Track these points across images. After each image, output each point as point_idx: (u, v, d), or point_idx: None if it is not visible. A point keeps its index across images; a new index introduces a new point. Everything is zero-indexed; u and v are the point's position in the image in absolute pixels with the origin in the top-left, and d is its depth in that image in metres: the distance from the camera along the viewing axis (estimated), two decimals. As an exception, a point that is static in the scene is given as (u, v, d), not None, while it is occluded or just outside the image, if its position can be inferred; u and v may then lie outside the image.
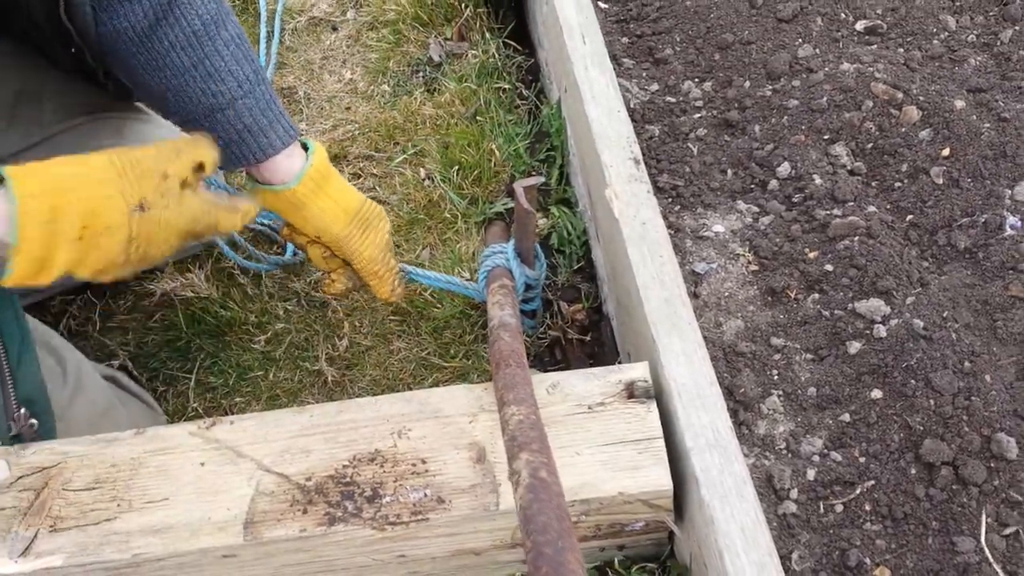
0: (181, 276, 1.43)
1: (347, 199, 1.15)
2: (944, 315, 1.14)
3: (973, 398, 1.04)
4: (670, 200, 1.38)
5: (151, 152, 0.91)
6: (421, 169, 1.60)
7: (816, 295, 1.22)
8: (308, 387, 1.33)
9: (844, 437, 1.06)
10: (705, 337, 1.02)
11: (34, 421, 1.01)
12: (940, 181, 1.31)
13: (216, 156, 0.98)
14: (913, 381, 1.07)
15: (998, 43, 1.54)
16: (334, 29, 1.97)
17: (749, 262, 1.28)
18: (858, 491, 1.02)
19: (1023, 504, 0.97)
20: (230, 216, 0.99)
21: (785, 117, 1.45)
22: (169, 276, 1.43)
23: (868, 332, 1.14)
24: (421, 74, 1.79)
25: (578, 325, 1.34)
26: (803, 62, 1.54)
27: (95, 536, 0.90)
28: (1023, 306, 1.14)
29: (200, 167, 0.95)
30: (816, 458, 1.05)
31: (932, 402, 1.05)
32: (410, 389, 1.25)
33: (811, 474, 1.04)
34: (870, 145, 1.39)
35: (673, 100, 1.55)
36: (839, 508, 1.01)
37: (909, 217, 1.29)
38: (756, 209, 1.35)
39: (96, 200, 0.85)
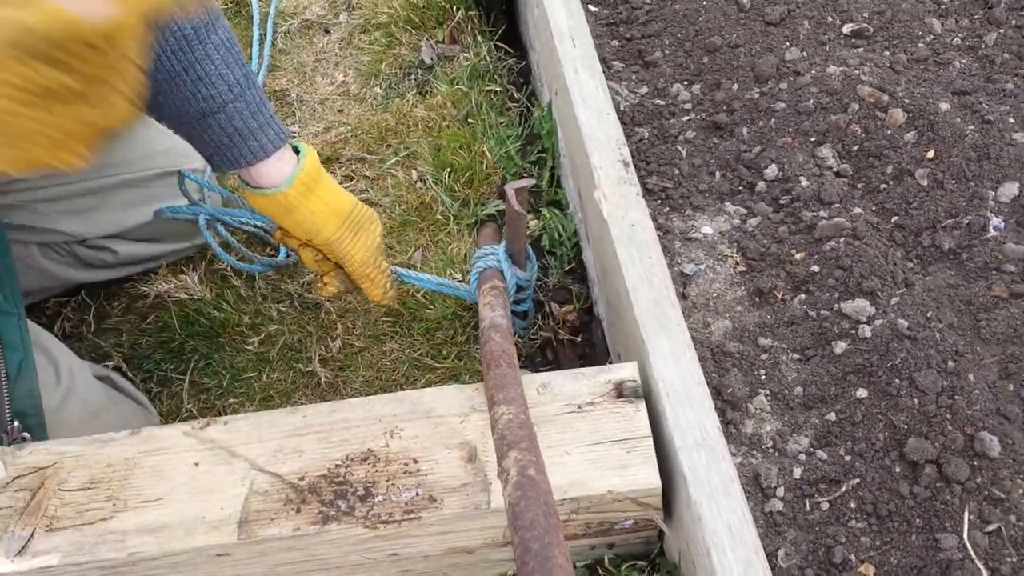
0: (175, 278, 1.43)
1: (338, 202, 1.16)
2: (928, 315, 1.14)
3: (956, 397, 1.05)
4: (659, 202, 1.38)
5: None
6: (413, 171, 1.61)
7: (803, 296, 1.22)
8: (301, 388, 1.33)
9: (830, 436, 1.07)
10: (693, 337, 1.03)
11: (26, 435, 1.02)
12: (925, 183, 1.32)
13: None
14: (897, 380, 1.08)
15: (983, 46, 1.55)
16: (326, 32, 1.97)
17: (737, 263, 1.29)
18: (843, 489, 1.02)
19: (1005, 501, 0.98)
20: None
21: (772, 119, 1.46)
22: (163, 278, 1.44)
23: (853, 332, 1.15)
24: (413, 77, 1.80)
25: (569, 326, 1.35)
26: (790, 65, 1.54)
27: (91, 535, 0.90)
28: (1006, 306, 1.15)
29: None
30: (802, 456, 1.06)
31: (916, 401, 1.06)
32: (403, 390, 1.26)
33: (797, 472, 1.05)
34: (856, 147, 1.40)
35: (662, 103, 1.55)
36: (825, 506, 1.02)
37: (894, 218, 1.30)
38: (744, 211, 1.36)
39: None
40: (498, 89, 1.71)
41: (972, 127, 1.37)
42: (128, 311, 1.44)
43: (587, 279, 1.40)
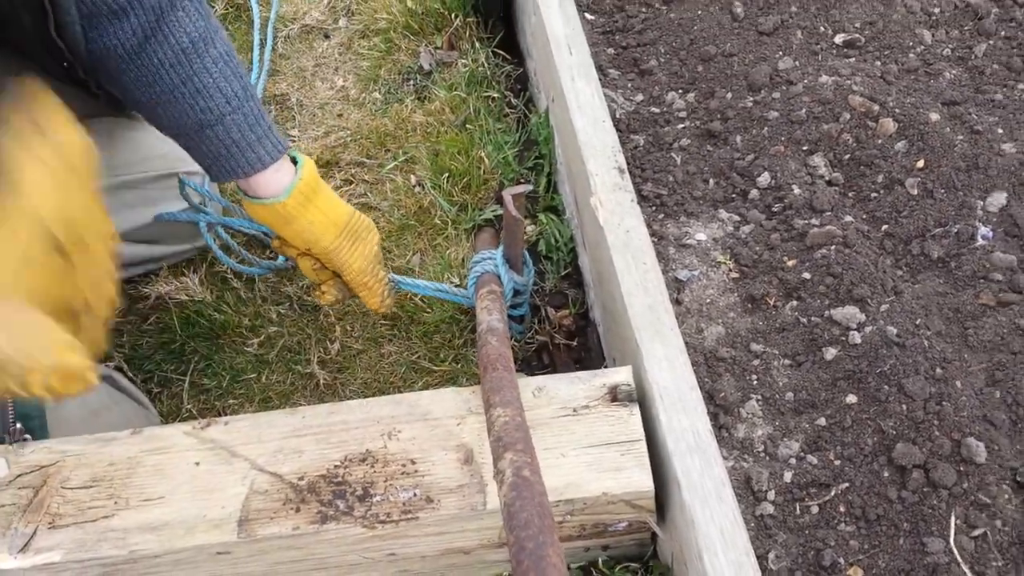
0: (175, 279, 1.44)
1: (336, 212, 1.17)
2: (917, 323, 1.16)
3: (944, 403, 1.06)
4: (654, 208, 1.40)
5: None
6: (412, 176, 1.62)
7: (794, 302, 1.24)
8: (300, 389, 1.34)
9: (820, 441, 1.08)
10: (687, 343, 1.04)
11: (28, 437, 1.02)
12: (915, 192, 1.34)
13: None
14: (886, 387, 1.10)
15: (972, 57, 1.57)
16: (326, 37, 1.99)
17: (730, 270, 1.31)
18: (833, 493, 1.04)
19: (991, 507, 0.99)
20: None
21: (765, 128, 1.48)
22: (164, 280, 1.45)
23: (844, 339, 1.16)
24: (412, 82, 1.81)
25: (565, 330, 1.36)
26: (783, 74, 1.56)
27: (93, 533, 0.91)
28: (993, 315, 1.17)
29: None
30: (793, 461, 1.08)
31: (904, 407, 1.07)
32: (400, 392, 1.27)
33: (788, 476, 1.06)
34: (847, 156, 1.42)
35: (657, 110, 1.57)
36: (815, 509, 1.03)
37: (884, 227, 1.32)
38: (737, 218, 1.38)
39: None
40: (496, 95, 1.73)
41: (961, 137, 1.39)
42: (129, 312, 1.45)
43: (583, 284, 1.42)
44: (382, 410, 1.00)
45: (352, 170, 1.66)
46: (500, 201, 1.53)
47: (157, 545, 0.90)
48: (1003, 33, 1.60)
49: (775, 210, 1.37)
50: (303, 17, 2.03)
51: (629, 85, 1.62)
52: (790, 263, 1.29)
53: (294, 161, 1.17)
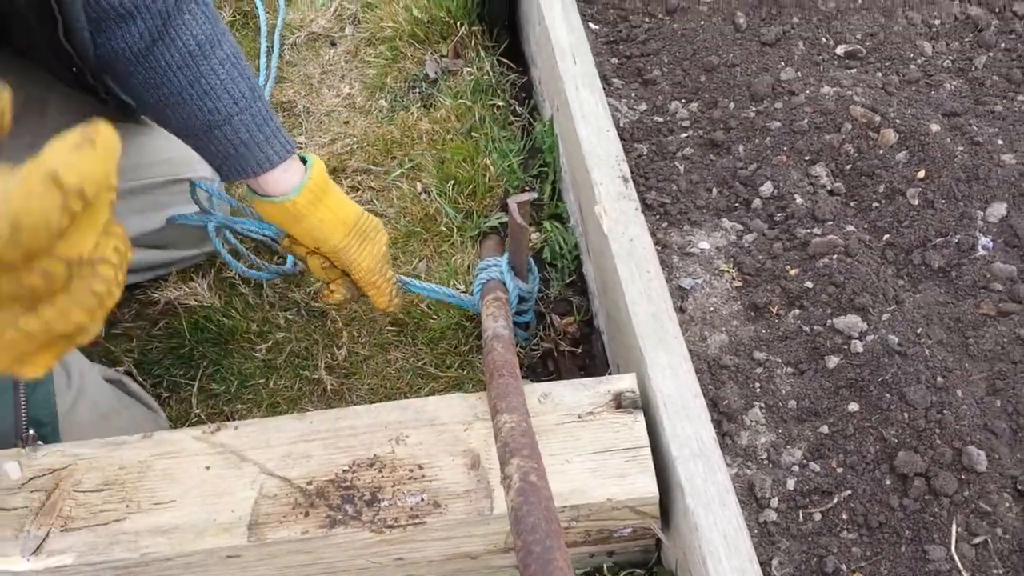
0: (184, 285, 1.45)
1: (345, 211, 1.18)
2: (918, 332, 1.17)
3: (945, 412, 1.08)
4: (657, 217, 1.41)
5: None
6: (418, 183, 1.63)
7: (797, 311, 1.25)
8: (308, 395, 1.35)
9: (822, 448, 1.10)
10: (690, 350, 1.05)
11: (40, 443, 1.03)
12: (916, 202, 1.35)
13: None
14: (888, 395, 1.11)
15: (973, 68, 1.59)
16: (333, 45, 2.00)
17: (733, 278, 1.32)
18: (835, 500, 1.05)
19: (992, 515, 1.01)
20: None
21: (768, 138, 1.49)
22: (173, 285, 1.46)
23: (846, 347, 1.18)
24: (418, 90, 1.83)
25: (570, 337, 1.37)
26: (785, 85, 1.58)
27: (104, 536, 0.92)
28: (994, 324, 1.18)
29: None
30: (796, 468, 1.09)
31: (906, 415, 1.09)
32: (406, 398, 1.28)
33: (791, 484, 1.07)
34: (849, 166, 1.43)
35: (661, 120, 1.59)
36: (817, 516, 1.04)
37: (886, 236, 1.33)
38: (740, 227, 1.39)
39: None
40: (501, 104, 1.74)
41: (962, 148, 1.41)
42: (139, 317, 1.46)
43: (588, 291, 1.43)
44: (390, 415, 1.01)
45: (359, 177, 1.67)
46: (505, 209, 1.54)
47: (168, 548, 0.91)
48: (1003, 45, 1.62)
49: (777, 219, 1.39)
50: (310, 25, 2.05)
51: (633, 94, 1.64)
52: (792, 272, 1.30)
53: (304, 161, 1.18)
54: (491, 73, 1.79)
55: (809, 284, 1.27)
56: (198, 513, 0.93)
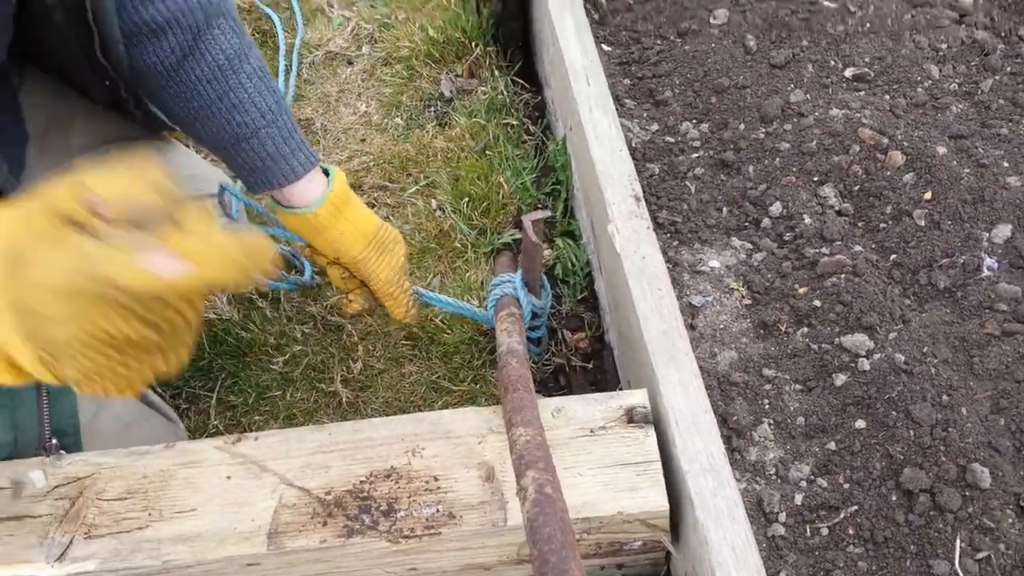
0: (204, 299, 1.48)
1: (365, 223, 1.21)
2: (924, 351, 1.19)
3: (950, 430, 1.09)
4: (669, 235, 1.44)
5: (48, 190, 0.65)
6: (433, 200, 1.66)
7: (805, 329, 1.27)
8: (323, 407, 1.37)
9: (830, 464, 1.11)
10: (701, 367, 1.05)
11: (63, 452, 1.04)
12: (922, 223, 1.37)
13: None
14: (894, 412, 1.12)
15: (979, 92, 1.61)
16: (350, 64, 2.04)
17: (743, 296, 1.34)
18: (842, 515, 1.06)
19: (995, 530, 1.02)
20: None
21: (777, 159, 1.52)
22: (192, 299, 1.49)
23: (853, 365, 1.19)
24: (433, 109, 1.86)
25: (581, 353, 1.39)
26: (795, 107, 1.60)
27: (127, 543, 0.93)
28: (998, 344, 1.19)
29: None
30: (803, 484, 1.10)
31: (912, 433, 1.10)
32: (420, 411, 1.30)
33: (798, 499, 1.08)
34: (857, 187, 1.45)
35: (672, 140, 1.61)
36: (824, 531, 1.05)
37: (893, 257, 1.35)
38: (750, 246, 1.41)
39: None
40: (514, 123, 1.77)
41: (968, 170, 1.43)
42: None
43: (599, 308, 1.45)
44: (406, 428, 1.02)
45: (375, 194, 1.70)
46: (519, 225, 1.57)
47: (189, 556, 0.92)
48: (1009, 69, 1.64)
49: (786, 239, 1.41)
50: (327, 44, 2.08)
51: (645, 115, 1.67)
52: (801, 291, 1.32)
53: (326, 173, 1.20)
54: (505, 93, 1.82)
55: (817, 303, 1.29)
56: (219, 522, 0.94)
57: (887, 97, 1.62)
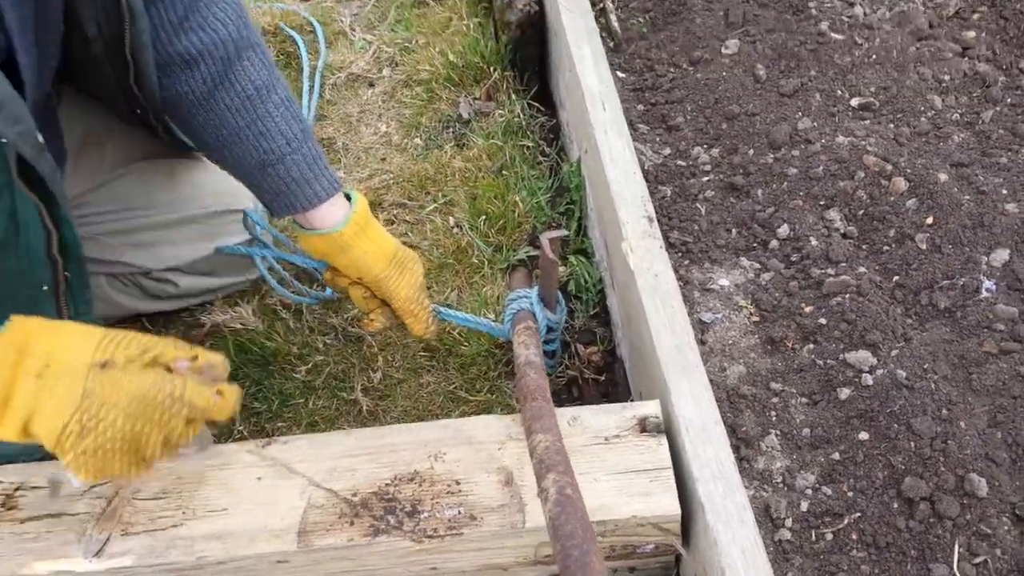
0: (231, 309, 1.52)
1: (386, 243, 1.24)
2: (925, 367, 1.22)
3: (949, 442, 1.12)
4: (680, 255, 1.47)
5: (144, 336, 0.90)
6: (451, 217, 1.69)
7: (811, 345, 1.30)
8: (344, 415, 1.39)
9: (834, 473, 1.14)
10: (710, 380, 1.08)
11: None
12: (924, 246, 1.41)
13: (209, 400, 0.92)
14: (896, 425, 1.16)
15: (980, 122, 1.64)
16: (371, 85, 2.08)
17: (751, 314, 1.37)
18: (846, 522, 1.09)
19: (992, 537, 1.05)
20: (200, 393, 0.89)
21: (785, 183, 1.55)
22: (219, 309, 1.52)
23: (857, 380, 1.22)
24: (451, 130, 1.89)
25: (594, 366, 1.42)
26: (802, 134, 1.64)
27: (162, 540, 0.96)
28: (995, 361, 1.23)
29: (192, 358, 0.93)
30: (809, 491, 1.13)
31: (912, 444, 1.13)
32: (438, 419, 1.33)
33: (804, 505, 1.12)
34: (861, 212, 1.48)
35: (684, 164, 1.65)
36: (829, 536, 1.09)
37: (895, 278, 1.38)
38: (758, 266, 1.45)
39: (65, 340, 0.85)
40: (530, 144, 1.80)
41: (968, 197, 1.46)
42: (184, 338, 1.52)
43: (611, 323, 1.48)
44: (429, 434, 1.05)
45: (394, 211, 1.74)
46: (534, 243, 1.61)
47: (222, 552, 0.95)
48: (1009, 100, 1.68)
49: (793, 260, 1.44)
50: (350, 66, 2.12)
51: (657, 139, 1.71)
52: (807, 309, 1.35)
53: (348, 197, 1.24)
54: (521, 115, 1.85)
55: (823, 321, 1.32)
56: (251, 520, 0.98)
57: (891, 126, 1.65)
